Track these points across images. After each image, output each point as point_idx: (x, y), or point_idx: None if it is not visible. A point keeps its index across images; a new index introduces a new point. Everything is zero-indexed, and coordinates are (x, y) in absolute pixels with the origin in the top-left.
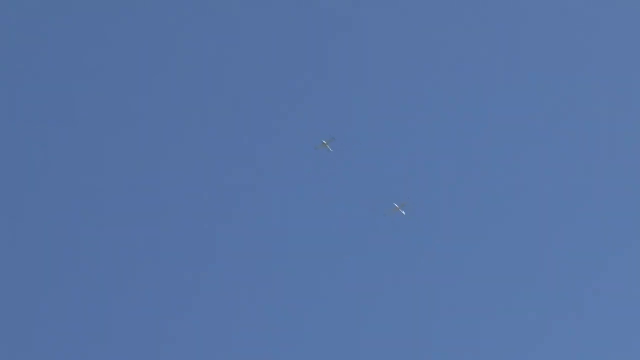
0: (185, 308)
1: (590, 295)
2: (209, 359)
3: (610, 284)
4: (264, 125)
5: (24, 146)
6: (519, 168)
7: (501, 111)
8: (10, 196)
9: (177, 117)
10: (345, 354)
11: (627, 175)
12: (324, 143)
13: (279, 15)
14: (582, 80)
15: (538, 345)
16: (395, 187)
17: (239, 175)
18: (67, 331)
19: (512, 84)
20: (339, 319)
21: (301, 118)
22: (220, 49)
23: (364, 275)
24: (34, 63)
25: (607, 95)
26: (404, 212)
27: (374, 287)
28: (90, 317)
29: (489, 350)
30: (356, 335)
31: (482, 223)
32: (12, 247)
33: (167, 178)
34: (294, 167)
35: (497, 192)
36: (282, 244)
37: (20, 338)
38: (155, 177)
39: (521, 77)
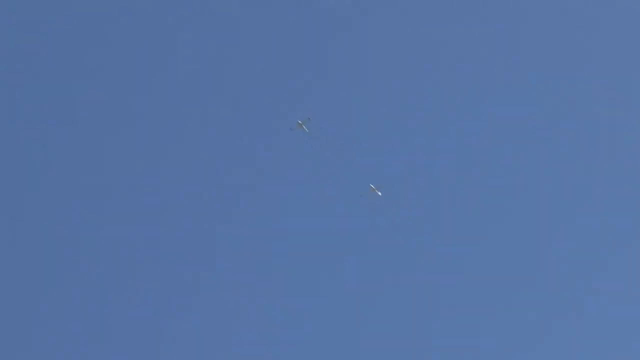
0: (185, 308)
1: (590, 295)
2: (209, 359)
3: (610, 284)
4: (264, 125)
5: (24, 146)
6: (519, 168)
7: (501, 111)
8: (10, 196)
9: (177, 117)
10: (345, 354)
11: (627, 175)
12: (299, 124)
13: (279, 15)
14: (582, 80)
15: (538, 345)
16: (396, 187)
17: (239, 175)
18: (67, 331)
19: (512, 84)
20: (339, 319)
21: (301, 118)
22: (220, 49)
23: (364, 275)
24: (34, 63)
25: (607, 95)
26: (380, 193)
27: (374, 287)
28: (90, 317)
29: (489, 350)
30: (356, 335)
31: (482, 223)
32: (12, 247)
33: (167, 178)
34: (294, 167)
35: (497, 192)
36: (282, 244)
37: (20, 338)
38: (155, 177)
39: (521, 77)
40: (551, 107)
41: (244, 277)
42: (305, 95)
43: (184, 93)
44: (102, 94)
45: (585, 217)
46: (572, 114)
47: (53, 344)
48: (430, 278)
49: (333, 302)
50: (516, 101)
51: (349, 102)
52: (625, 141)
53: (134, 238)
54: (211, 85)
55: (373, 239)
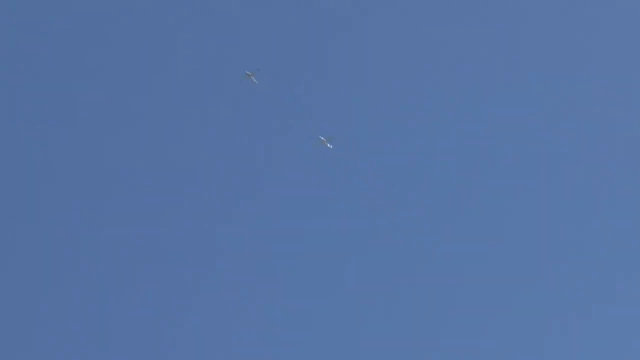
0: (185, 308)
1: (592, 297)
2: (209, 359)
3: (611, 284)
4: (264, 125)
5: (24, 146)
6: (519, 168)
7: (501, 111)
8: (10, 196)
9: (177, 117)
10: (345, 354)
11: (627, 175)
12: (248, 74)
13: (279, 15)
14: (582, 80)
15: (538, 345)
16: (396, 187)
17: (239, 175)
18: (67, 331)
19: (512, 84)
20: (339, 319)
21: (301, 118)
22: (220, 49)
23: (365, 275)
24: (34, 63)
25: (607, 95)
26: (330, 146)
27: (375, 288)
28: (90, 317)
29: (490, 351)
30: (356, 335)
31: (483, 222)
32: (12, 247)
33: (167, 178)
34: (294, 167)
35: (498, 192)
36: (283, 244)
37: (20, 338)
38: (155, 177)
39: (521, 77)
40: (551, 107)
41: (244, 277)
42: (305, 95)
43: (184, 93)
44: (102, 94)
45: (586, 217)
46: (572, 114)
47: (53, 344)
48: (430, 279)
49: (333, 302)
50: (516, 101)
51: (349, 102)
52: (626, 141)
53: (134, 238)
54: (211, 85)
55: (374, 239)
